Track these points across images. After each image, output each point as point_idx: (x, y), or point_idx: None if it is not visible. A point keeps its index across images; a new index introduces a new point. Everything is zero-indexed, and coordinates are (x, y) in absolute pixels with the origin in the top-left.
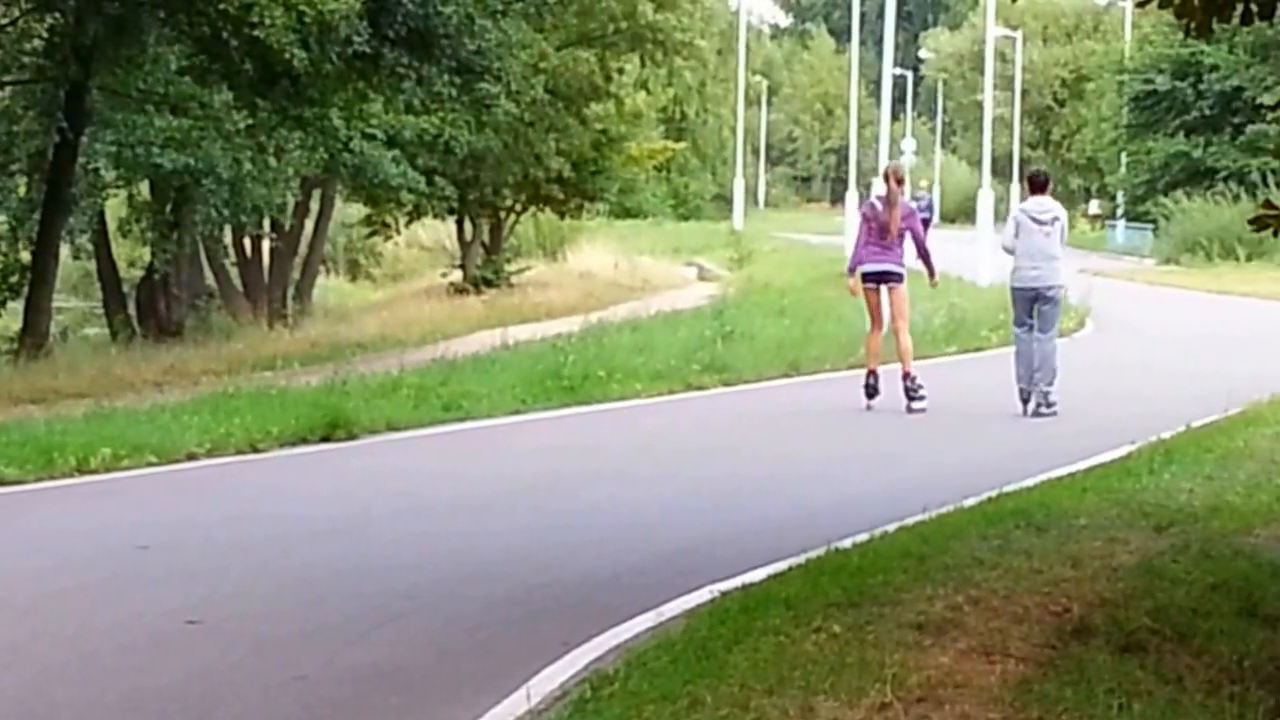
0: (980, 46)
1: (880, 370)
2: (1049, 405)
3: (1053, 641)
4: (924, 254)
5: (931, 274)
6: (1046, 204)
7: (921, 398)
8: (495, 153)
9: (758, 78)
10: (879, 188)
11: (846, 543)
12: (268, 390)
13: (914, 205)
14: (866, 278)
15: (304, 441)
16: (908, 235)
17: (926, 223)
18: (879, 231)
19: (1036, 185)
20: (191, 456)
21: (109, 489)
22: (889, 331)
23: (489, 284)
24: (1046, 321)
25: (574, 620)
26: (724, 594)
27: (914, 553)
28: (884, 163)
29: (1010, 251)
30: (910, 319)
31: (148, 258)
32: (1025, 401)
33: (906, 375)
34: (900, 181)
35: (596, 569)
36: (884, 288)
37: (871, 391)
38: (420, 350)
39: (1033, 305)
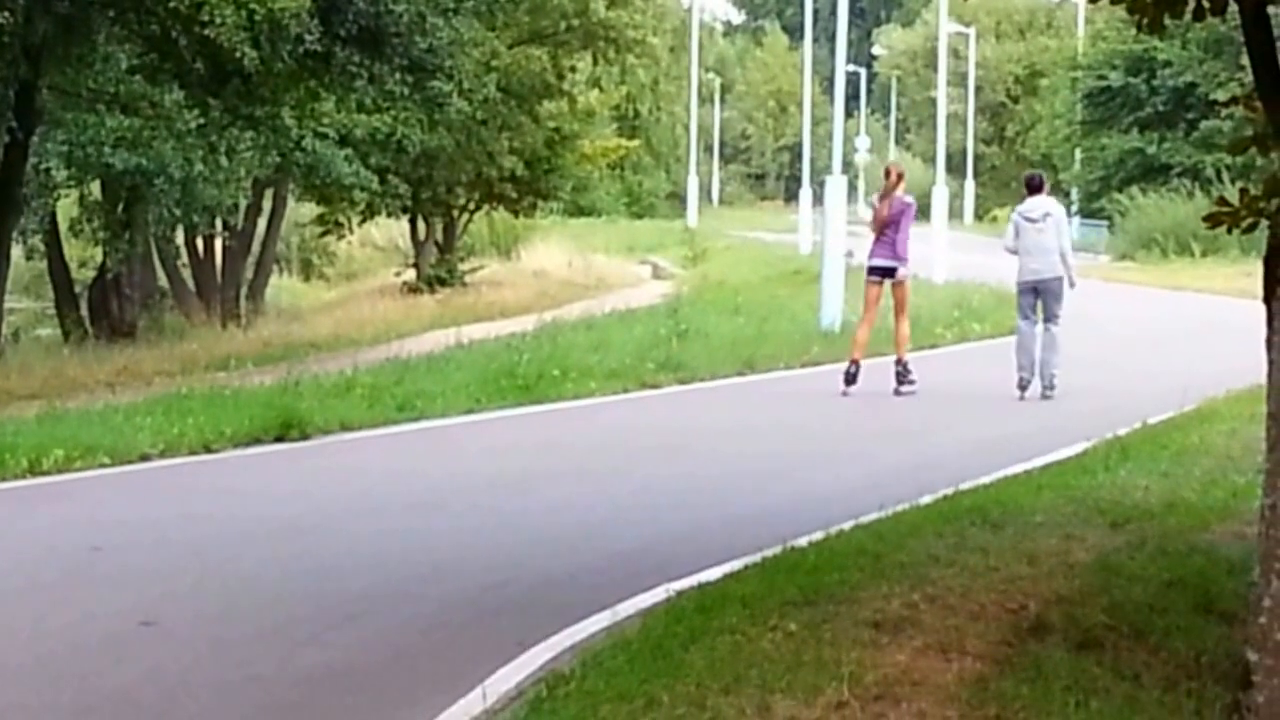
0: (933, 43)
1: (862, 362)
2: (1051, 388)
3: (1009, 639)
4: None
5: (903, 262)
6: (1039, 203)
7: (911, 383)
8: (448, 151)
9: (711, 75)
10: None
11: (802, 541)
12: (221, 390)
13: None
14: (870, 271)
15: (258, 442)
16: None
17: None
18: (879, 226)
19: (1032, 187)
20: (145, 457)
21: (61, 490)
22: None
23: (443, 283)
24: (1051, 311)
25: (529, 620)
26: (680, 593)
27: (870, 551)
28: (838, 160)
29: (1013, 252)
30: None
31: (100, 258)
32: (1023, 388)
33: (899, 361)
34: (900, 176)
35: (552, 568)
36: (888, 283)
37: (850, 379)
38: (374, 350)
39: (1036, 298)
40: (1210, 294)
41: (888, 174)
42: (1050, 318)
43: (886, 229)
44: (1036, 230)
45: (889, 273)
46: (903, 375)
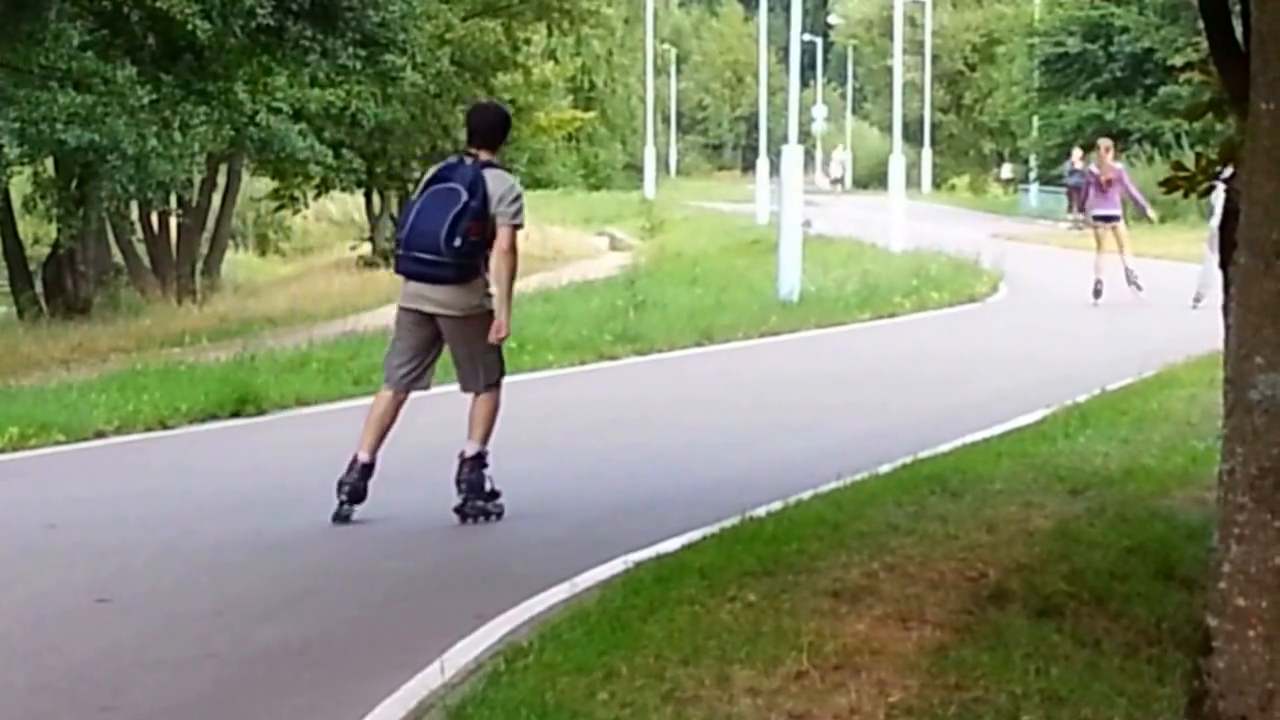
0: (890, 11)
1: (1104, 279)
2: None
3: (969, 607)
4: (1136, 200)
5: (1143, 211)
6: None
7: (1139, 288)
8: (402, 125)
9: (666, 46)
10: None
11: (761, 511)
12: (176, 366)
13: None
14: (1095, 218)
15: (213, 417)
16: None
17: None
18: (1100, 187)
19: None
20: (100, 434)
21: (16, 468)
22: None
23: None
24: (1214, 246)
25: (487, 592)
26: (638, 564)
27: (829, 520)
28: (794, 130)
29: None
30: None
31: (54, 235)
32: (1198, 300)
33: (1128, 271)
34: (1110, 149)
35: (510, 541)
36: (1108, 225)
37: (1098, 293)
38: (330, 324)
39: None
40: (1169, 260)
41: (1104, 151)
42: (1215, 249)
43: (1109, 187)
44: (1213, 195)
45: (1108, 219)
46: (1131, 280)
